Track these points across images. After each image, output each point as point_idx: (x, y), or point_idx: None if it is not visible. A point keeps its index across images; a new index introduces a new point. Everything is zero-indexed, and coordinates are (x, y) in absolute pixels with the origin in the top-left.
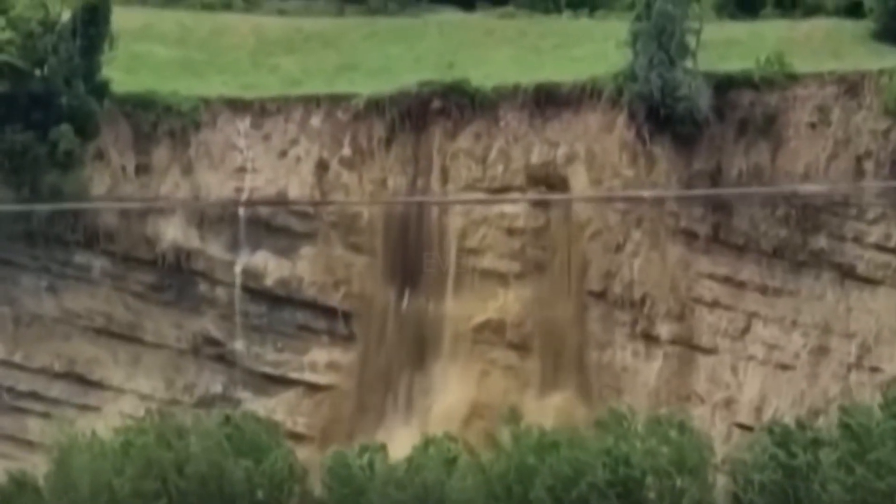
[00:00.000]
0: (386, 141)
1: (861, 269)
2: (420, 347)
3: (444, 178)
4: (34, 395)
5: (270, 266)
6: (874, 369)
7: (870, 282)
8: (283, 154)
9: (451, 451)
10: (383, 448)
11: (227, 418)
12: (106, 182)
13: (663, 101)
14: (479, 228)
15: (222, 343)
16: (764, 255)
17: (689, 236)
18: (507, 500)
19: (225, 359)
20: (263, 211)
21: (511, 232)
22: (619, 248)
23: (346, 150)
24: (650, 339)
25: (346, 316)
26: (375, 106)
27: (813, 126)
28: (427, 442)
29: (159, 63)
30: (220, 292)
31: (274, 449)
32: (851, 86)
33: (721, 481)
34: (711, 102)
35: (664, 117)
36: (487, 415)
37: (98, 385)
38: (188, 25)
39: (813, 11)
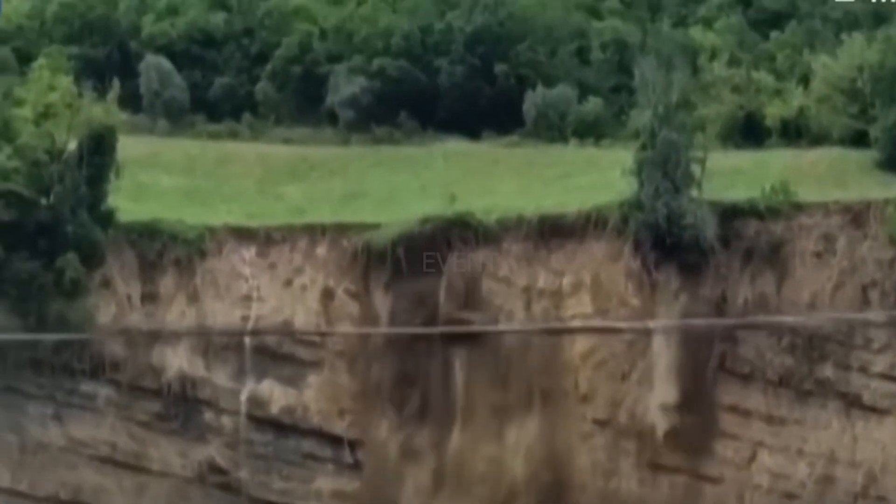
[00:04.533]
0: (390, 277)
1: (867, 398)
2: (426, 478)
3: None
4: None
5: (276, 394)
6: (880, 499)
7: (875, 411)
8: (289, 283)
9: None
10: None
11: None
12: (112, 311)
13: (669, 230)
14: (486, 359)
15: (228, 471)
16: (770, 384)
17: None
18: None
19: (231, 487)
20: (269, 339)
21: (516, 362)
22: (624, 376)
23: (351, 281)
24: (656, 467)
25: (352, 445)
26: (379, 249)
27: (818, 255)
28: None
29: (165, 192)
30: (226, 421)
31: None
32: (856, 215)
33: None
34: (717, 231)
35: (670, 246)
36: None
37: None
38: (194, 154)
39: (818, 141)
